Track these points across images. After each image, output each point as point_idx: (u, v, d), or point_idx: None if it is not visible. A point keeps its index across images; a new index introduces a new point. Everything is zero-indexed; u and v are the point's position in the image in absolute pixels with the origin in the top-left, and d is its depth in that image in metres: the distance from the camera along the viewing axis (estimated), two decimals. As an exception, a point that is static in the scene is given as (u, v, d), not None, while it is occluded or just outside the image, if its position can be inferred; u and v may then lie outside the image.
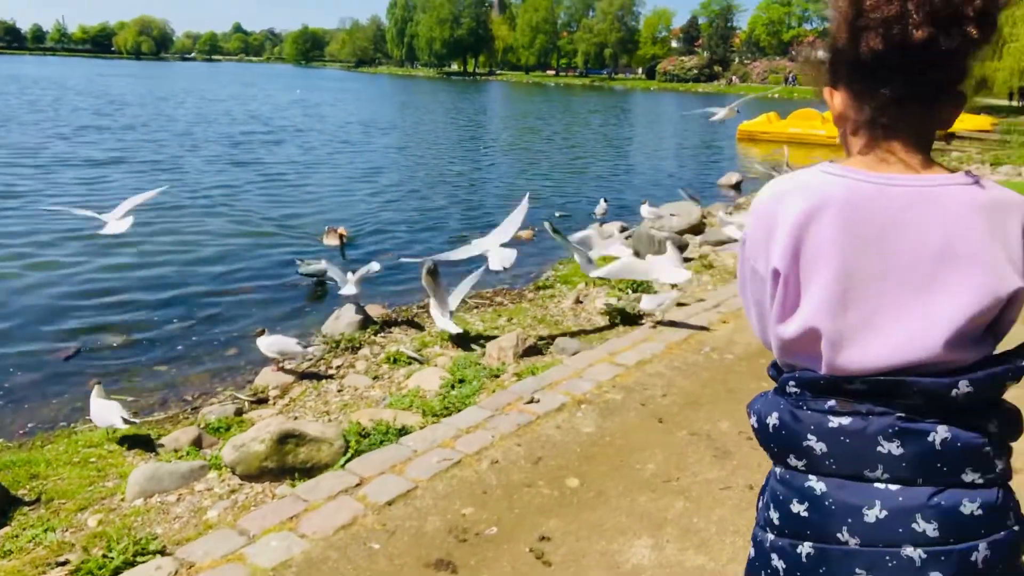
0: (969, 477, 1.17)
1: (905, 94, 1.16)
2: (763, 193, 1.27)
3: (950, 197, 1.15)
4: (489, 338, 5.50)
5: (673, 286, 5.98)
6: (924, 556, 1.17)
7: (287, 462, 3.56)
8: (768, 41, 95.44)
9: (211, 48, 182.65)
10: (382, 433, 3.74)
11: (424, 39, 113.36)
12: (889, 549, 1.18)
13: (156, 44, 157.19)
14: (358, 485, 3.02)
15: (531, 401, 3.80)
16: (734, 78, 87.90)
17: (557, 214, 11.24)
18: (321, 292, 7.12)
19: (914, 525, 1.17)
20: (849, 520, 1.20)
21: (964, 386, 1.15)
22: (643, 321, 5.44)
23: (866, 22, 1.13)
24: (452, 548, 2.65)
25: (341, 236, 8.93)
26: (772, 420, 1.29)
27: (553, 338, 5.39)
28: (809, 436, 1.23)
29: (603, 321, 6.02)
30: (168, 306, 6.56)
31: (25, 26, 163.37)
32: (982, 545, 1.17)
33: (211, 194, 11.84)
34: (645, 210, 8.70)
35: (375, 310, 6.47)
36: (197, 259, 8.07)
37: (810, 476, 1.24)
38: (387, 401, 4.46)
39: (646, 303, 5.32)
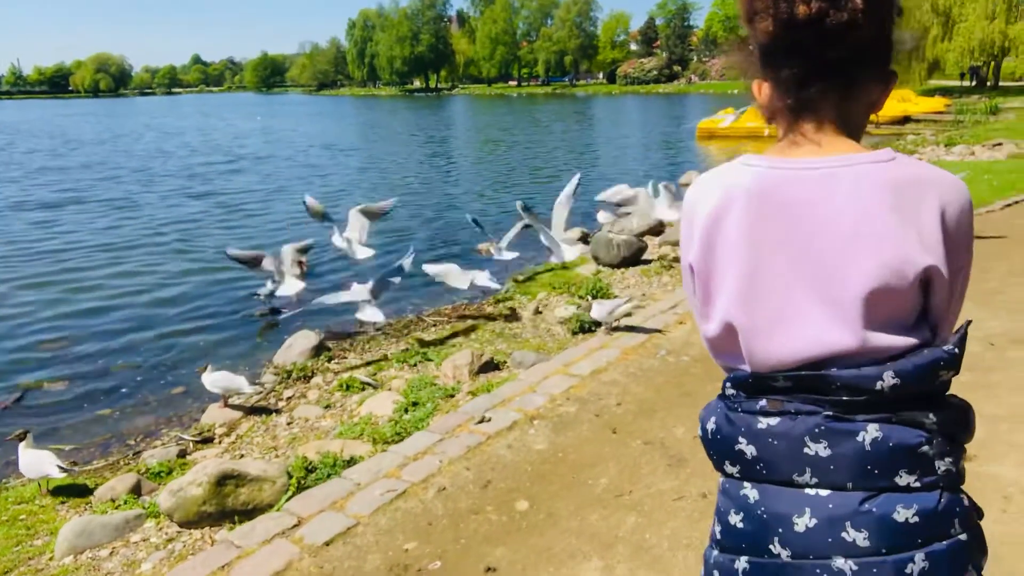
0: (904, 480, 1.08)
1: (806, 74, 1.11)
2: (690, 188, 1.24)
3: (860, 177, 1.08)
4: (447, 356, 5.36)
5: (630, 304, 5.91)
6: (855, 568, 1.08)
7: (227, 505, 3.38)
8: (725, 37, 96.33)
9: (171, 81, 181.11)
10: (329, 466, 3.58)
11: (384, 58, 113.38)
12: (819, 561, 1.09)
13: (114, 80, 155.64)
14: (295, 526, 2.87)
15: (482, 420, 3.66)
16: (693, 77, 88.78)
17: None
18: (274, 322, 6.92)
19: (844, 534, 1.08)
20: (780, 530, 1.12)
21: (890, 377, 1.06)
22: (598, 329, 5.33)
23: (757, 4, 1.11)
24: (392, 587, 2.51)
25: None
26: (711, 425, 1.24)
27: (511, 352, 5.27)
28: (740, 439, 1.17)
29: (562, 330, 5.92)
30: (116, 349, 6.34)
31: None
32: (919, 556, 1.07)
33: (166, 230, 11.56)
34: (602, 216, 8.62)
35: (331, 336, 6.30)
36: (149, 299, 7.83)
37: (744, 483, 1.18)
38: (336, 431, 4.30)
39: (596, 312, 5.22)
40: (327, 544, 2.74)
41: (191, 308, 7.48)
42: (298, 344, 5.79)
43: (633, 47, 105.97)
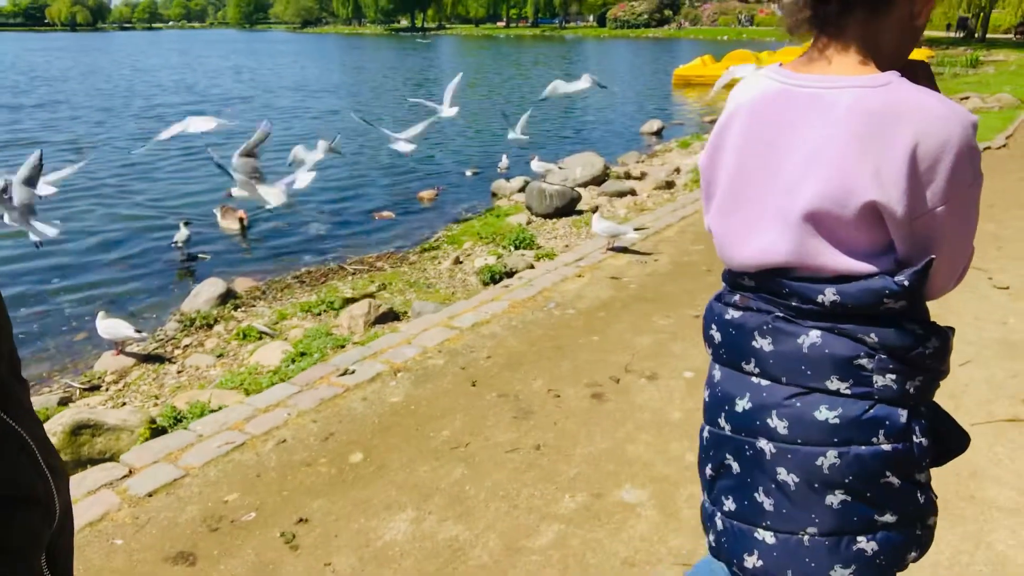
0: (835, 385, 1.16)
1: None
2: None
3: (841, 101, 1.09)
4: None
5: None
6: (773, 451, 1.21)
7: (82, 454, 3.40)
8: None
9: (151, 16, 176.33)
10: (196, 416, 3.59)
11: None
12: (748, 439, 1.24)
13: (92, 14, 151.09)
14: (125, 476, 2.88)
15: (344, 373, 3.66)
16: (684, 22, 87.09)
17: (468, 172, 11.01)
18: (191, 268, 6.87)
19: (769, 420, 1.21)
20: (727, 408, 1.28)
21: (831, 294, 1.14)
22: (510, 282, 5.31)
23: None
24: (200, 539, 2.53)
25: (241, 220, 8.33)
26: (704, 313, 1.39)
27: (413, 302, 5.26)
28: (712, 326, 1.33)
29: (475, 281, 5.91)
30: (26, 293, 6.27)
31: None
32: (831, 452, 1.16)
33: (105, 174, 11.29)
34: (536, 164, 8.51)
35: (244, 283, 6.27)
36: (71, 245, 7.65)
37: (715, 364, 1.35)
38: (218, 381, 4.30)
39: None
40: (149, 495, 2.75)
41: (113, 255, 7.38)
42: (205, 292, 5.76)
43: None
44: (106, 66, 39.29)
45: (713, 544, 1.37)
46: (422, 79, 31.25)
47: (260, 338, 5.03)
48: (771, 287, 1.20)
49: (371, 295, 5.65)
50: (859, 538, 1.21)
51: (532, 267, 5.74)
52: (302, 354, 4.45)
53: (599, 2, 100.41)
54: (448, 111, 7.21)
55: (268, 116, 18.15)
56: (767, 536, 1.26)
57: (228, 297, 5.77)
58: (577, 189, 8.95)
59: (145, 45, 73.70)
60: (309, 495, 2.75)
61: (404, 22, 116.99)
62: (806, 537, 1.22)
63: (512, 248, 6.72)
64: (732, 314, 1.27)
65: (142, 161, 11.81)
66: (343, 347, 4.50)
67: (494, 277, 5.71)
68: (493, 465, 2.89)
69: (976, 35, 42.09)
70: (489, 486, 2.76)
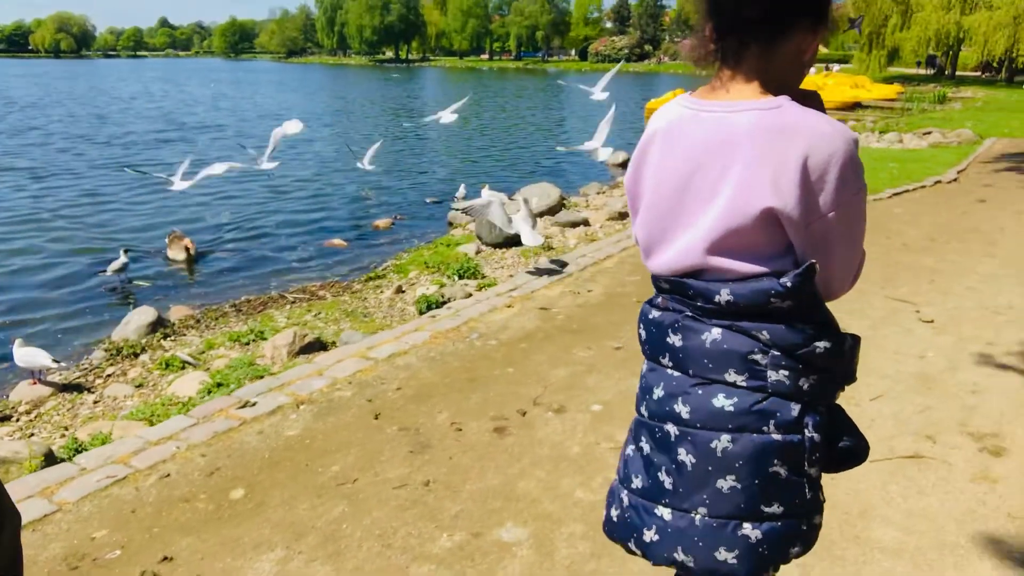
0: (732, 378, 1.28)
1: (726, 28, 1.28)
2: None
3: (741, 122, 1.23)
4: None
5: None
6: (677, 433, 1.33)
7: (-34, 487, 3.28)
8: (696, 18, 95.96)
9: (136, 44, 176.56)
10: (97, 446, 3.48)
11: (354, 26, 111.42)
12: (659, 423, 1.37)
13: (76, 41, 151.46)
14: (-8, 512, 2.76)
15: (245, 405, 3.57)
16: (664, 57, 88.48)
17: (429, 200, 11.00)
18: (129, 297, 6.76)
19: (675, 406, 1.33)
20: (647, 397, 1.41)
21: (726, 294, 1.26)
22: (438, 311, 5.25)
23: None
24: (54, 578, 2.42)
25: (187, 249, 8.15)
26: (638, 315, 1.50)
27: (342, 332, 5.18)
28: (641, 325, 1.46)
29: (413, 310, 5.84)
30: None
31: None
32: (724, 436, 1.28)
33: (57, 203, 11.06)
34: (486, 194, 8.47)
35: (179, 311, 6.17)
36: (9, 270, 7.54)
37: (644, 358, 1.47)
38: (126, 412, 4.20)
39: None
40: (12, 532, 2.64)
41: (53, 282, 7.31)
42: (136, 320, 5.66)
43: (607, 25, 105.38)
44: (84, 93, 39.25)
45: (615, 519, 1.47)
46: (398, 108, 31.42)
47: (183, 368, 4.93)
48: (682, 289, 1.32)
49: (302, 324, 5.57)
50: (745, 524, 1.30)
51: (470, 296, 5.69)
52: (219, 384, 4.36)
53: (580, 37, 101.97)
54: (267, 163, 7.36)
55: (239, 144, 18.08)
56: (665, 512, 1.36)
57: (159, 326, 5.67)
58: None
59: (127, 72, 73.80)
60: (180, 532, 2.65)
61: (389, 53, 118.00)
62: (697, 517, 1.32)
63: (456, 278, 6.67)
64: (654, 314, 1.40)
65: (99, 190, 11.70)
66: (262, 378, 4.41)
67: (430, 306, 5.65)
68: (377, 502, 2.81)
69: (946, 72, 42.96)
70: (367, 524, 2.68)
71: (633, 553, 1.45)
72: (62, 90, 41.12)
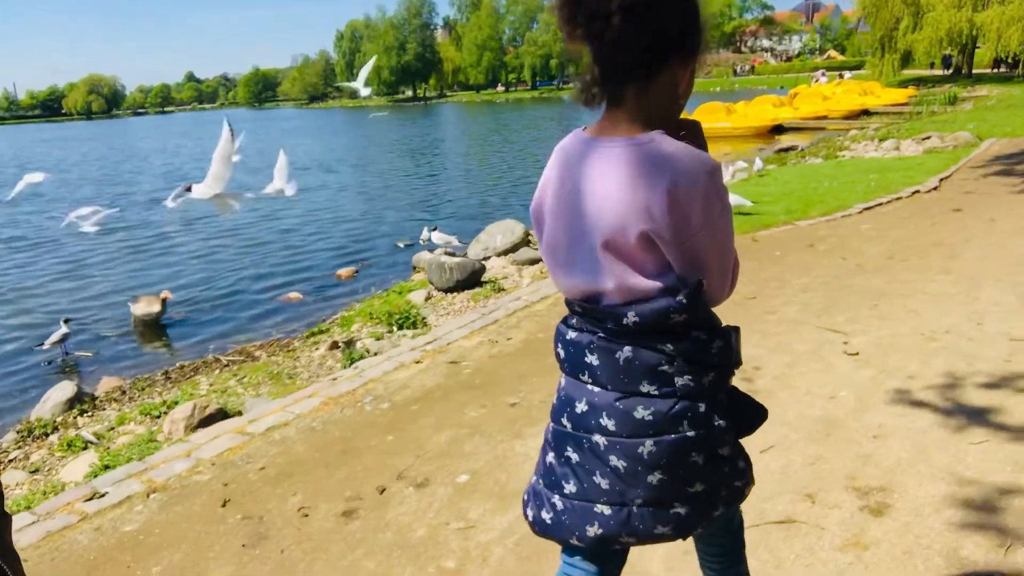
0: (646, 389, 1.43)
1: (603, 73, 1.38)
2: None
3: (617, 156, 1.37)
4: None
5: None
6: (605, 443, 1.47)
7: None
8: (710, 35, 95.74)
9: (163, 100, 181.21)
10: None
11: (372, 68, 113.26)
12: (585, 435, 1.50)
13: (107, 102, 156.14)
14: None
15: (94, 496, 3.39)
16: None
17: (400, 243, 10.87)
18: (60, 370, 6.67)
19: (601, 419, 1.47)
20: (568, 410, 1.53)
21: (632, 315, 1.40)
22: (343, 372, 5.05)
23: (558, 20, 1.39)
24: None
25: (164, 301, 8.06)
26: (554, 333, 1.61)
27: (248, 399, 5.00)
28: (558, 343, 1.58)
29: (339, 368, 5.64)
30: None
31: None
32: (648, 442, 1.43)
33: (51, 270, 11.19)
34: (436, 236, 8.32)
35: (109, 383, 6.06)
36: None
37: (562, 374, 1.59)
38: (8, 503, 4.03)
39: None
40: None
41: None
42: (54, 397, 5.55)
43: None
44: (101, 152, 40.26)
45: (549, 522, 1.59)
46: (411, 149, 31.61)
47: (85, 448, 4.78)
48: (592, 312, 1.45)
49: (221, 392, 5.40)
50: (675, 504, 1.49)
51: (398, 346, 5.48)
52: (106, 467, 4.19)
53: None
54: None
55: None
56: (604, 509, 1.50)
57: (76, 401, 5.55)
58: (493, 259, 8.76)
59: (151, 130, 75.76)
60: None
61: (408, 92, 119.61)
62: (635, 507, 1.49)
63: (395, 328, 6.48)
64: (571, 334, 1.52)
65: (75, 256, 11.74)
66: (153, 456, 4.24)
67: (354, 362, 5.45)
68: (179, 609, 2.59)
69: (963, 71, 42.08)
70: (157, 637, 2.45)
71: (575, 546, 1.61)
72: (82, 152, 42.21)
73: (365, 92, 6.70)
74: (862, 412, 3.56)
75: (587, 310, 1.46)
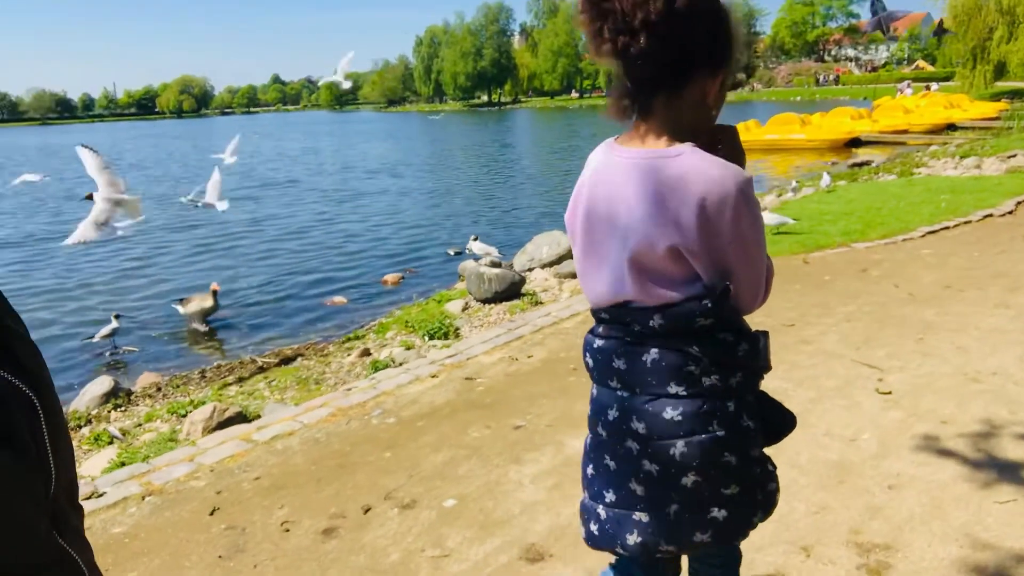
0: (674, 390, 1.43)
1: (633, 86, 1.41)
2: None
3: (646, 169, 1.37)
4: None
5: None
6: (638, 447, 1.48)
7: None
8: (793, 43, 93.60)
9: (249, 101, 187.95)
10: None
11: (449, 74, 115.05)
12: (619, 441, 1.51)
13: (197, 101, 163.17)
14: None
15: (92, 495, 3.44)
16: (757, 84, 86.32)
17: (451, 251, 10.88)
18: (107, 364, 6.89)
19: (632, 423, 1.48)
20: (602, 418, 1.55)
21: (658, 319, 1.42)
22: (357, 383, 5.04)
23: (586, 34, 1.40)
24: None
25: (214, 293, 8.14)
26: (583, 344, 1.64)
27: (268, 403, 5.04)
28: (587, 353, 1.60)
29: (365, 376, 5.65)
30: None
31: (76, 96, 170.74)
32: (680, 443, 1.43)
33: (137, 258, 11.64)
34: (476, 247, 8.26)
35: (147, 379, 6.22)
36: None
37: (593, 383, 1.62)
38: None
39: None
40: None
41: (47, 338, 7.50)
42: (92, 390, 5.72)
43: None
44: (187, 152, 41.86)
45: (596, 533, 1.59)
46: (480, 153, 31.79)
47: (111, 442, 4.90)
48: (619, 317, 1.47)
49: (248, 394, 5.47)
50: (712, 508, 1.48)
51: (426, 356, 5.45)
52: (122, 463, 4.28)
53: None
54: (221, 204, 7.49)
55: (304, 201, 18.42)
56: (642, 516, 1.50)
57: (112, 395, 5.70)
58: (537, 271, 8.67)
59: (236, 129, 78.28)
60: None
61: (483, 97, 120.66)
62: (672, 512, 1.49)
63: (426, 339, 6.46)
64: (598, 343, 1.54)
65: (142, 254, 12.15)
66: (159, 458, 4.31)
67: (378, 371, 5.44)
68: (143, 620, 2.59)
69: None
70: (115, 649, 2.45)
71: (619, 555, 1.63)
72: (167, 149, 44.08)
73: (346, 85, 6.83)
74: (881, 458, 3.32)
75: (614, 315, 1.49)
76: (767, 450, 1.61)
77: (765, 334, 1.52)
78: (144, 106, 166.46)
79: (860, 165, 17.93)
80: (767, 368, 1.54)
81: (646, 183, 1.36)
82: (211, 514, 3.26)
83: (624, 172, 1.41)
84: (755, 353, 1.48)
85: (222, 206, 7.31)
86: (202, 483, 3.54)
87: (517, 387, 4.50)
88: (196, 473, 3.64)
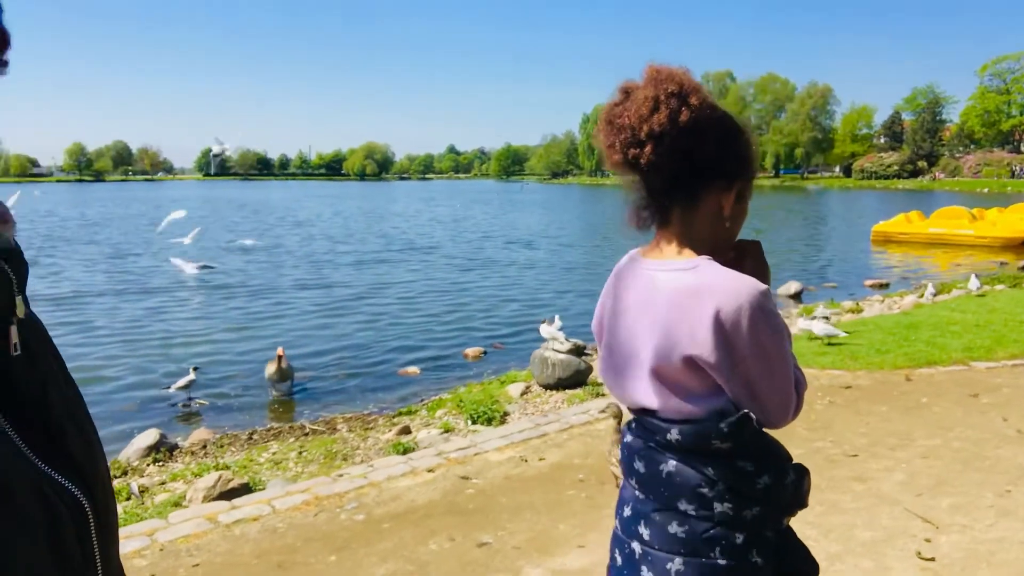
0: (684, 507, 1.39)
1: (646, 197, 1.43)
2: None
3: (665, 281, 1.38)
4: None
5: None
6: (640, 552, 1.45)
7: None
8: (983, 132, 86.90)
9: (425, 167, 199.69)
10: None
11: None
12: (628, 540, 1.48)
13: (378, 166, 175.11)
14: None
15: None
16: (940, 173, 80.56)
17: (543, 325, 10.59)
18: (179, 415, 7.15)
19: (639, 527, 1.45)
20: (620, 512, 1.54)
21: (675, 433, 1.39)
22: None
23: (601, 147, 1.44)
24: None
25: (279, 360, 7.74)
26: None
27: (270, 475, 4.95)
28: (620, 447, 1.59)
29: (393, 455, 5.47)
30: None
31: (275, 156, 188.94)
32: (678, 560, 1.39)
33: (239, 309, 12.35)
34: (544, 330, 7.90)
35: (199, 435, 6.36)
36: (89, 377, 8.11)
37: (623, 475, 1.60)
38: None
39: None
40: None
41: (118, 390, 7.88)
42: (139, 442, 5.91)
43: (876, 141, 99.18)
44: (353, 213, 44.66)
45: None
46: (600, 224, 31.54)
47: (128, 499, 4.99)
48: (644, 422, 1.45)
49: (275, 464, 5.44)
50: None
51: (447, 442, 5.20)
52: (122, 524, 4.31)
53: (846, 153, 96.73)
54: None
55: (431, 267, 18.65)
56: None
57: (154, 449, 5.86)
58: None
59: (407, 193, 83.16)
60: None
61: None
62: None
63: (469, 421, 6.20)
64: (628, 437, 1.52)
65: (259, 310, 12.79)
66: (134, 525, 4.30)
67: (406, 451, 5.24)
68: None
69: None
70: None
71: None
72: (337, 210, 47.24)
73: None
74: (877, 651, 2.66)
75: (641, 419, 1.48)
76: None
77: (800, 470, 1.43)
78: (332, 168, 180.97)
79: (1032, 268, 15.93)
80: (800, 506, 1.44)
81: (662, 295, 1.37)
82: (128, 599, 3.14)
83: (642, 283, 1.43)
84: (780, 488, 1.39)
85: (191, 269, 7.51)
86: (144, 563, 3.46)
87: (508, 494, 4.13)
88: (145, 550, 3.56)
